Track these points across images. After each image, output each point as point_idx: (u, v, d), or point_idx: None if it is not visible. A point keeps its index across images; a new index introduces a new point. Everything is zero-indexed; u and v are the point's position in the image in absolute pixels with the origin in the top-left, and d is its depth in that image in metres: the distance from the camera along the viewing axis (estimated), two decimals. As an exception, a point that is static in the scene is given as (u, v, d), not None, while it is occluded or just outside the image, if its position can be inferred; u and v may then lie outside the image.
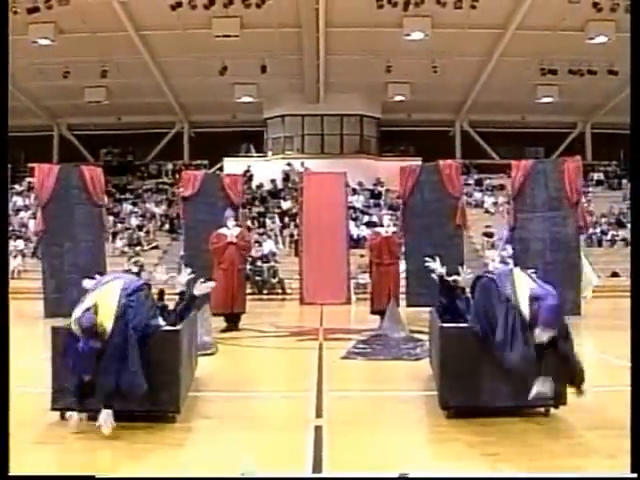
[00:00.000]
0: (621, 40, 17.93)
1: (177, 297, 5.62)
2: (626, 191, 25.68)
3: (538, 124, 28.96)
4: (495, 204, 26.05)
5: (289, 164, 27.66)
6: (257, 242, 21.06)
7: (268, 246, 21.89)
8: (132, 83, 24.85)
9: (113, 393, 4.13)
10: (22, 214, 24.55)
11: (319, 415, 4.66)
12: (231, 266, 10.34)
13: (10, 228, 21.44)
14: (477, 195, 26.97)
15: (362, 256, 19.09)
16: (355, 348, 7.83)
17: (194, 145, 30.20)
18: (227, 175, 16.44)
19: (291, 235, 23.29)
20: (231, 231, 10.48)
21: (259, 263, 20.40)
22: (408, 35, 21.07)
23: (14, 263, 20.00)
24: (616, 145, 27.43)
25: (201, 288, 5.46)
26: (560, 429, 4.16)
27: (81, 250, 12.72)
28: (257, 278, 19.80)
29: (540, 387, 4.03)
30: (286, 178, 27.46)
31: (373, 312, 10.81)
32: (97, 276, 4.82)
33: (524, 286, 4.35)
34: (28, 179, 25.83)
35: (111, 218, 22.27)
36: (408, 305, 12.49)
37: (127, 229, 24.24)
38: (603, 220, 24.85)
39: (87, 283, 4.70)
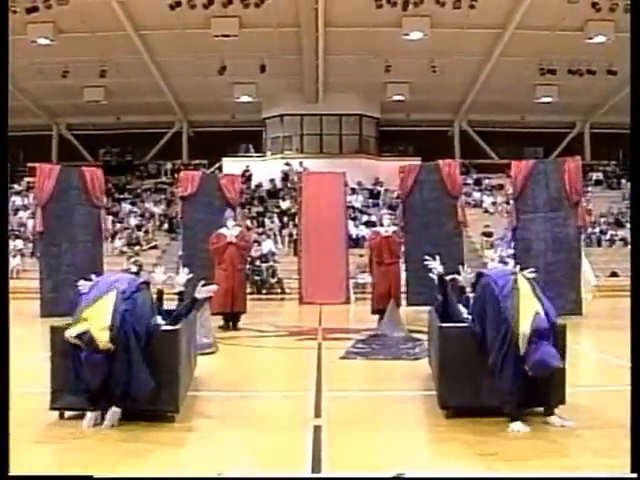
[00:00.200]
0: (620, 40, 17.94)
1: (176, 297, 5.63)
2: (625, 191, 25.71)
3: (537, 124, 28.99)
4: (494, 204, 26.07)
5: (288, 164, 27.66)
6: (256, 242, 21.05)
7: (267, 246, 21.91)
8: (131, 83, 24.85)
9: (124, 395, 4.21)
10: (21, 214, 24.54)
11: (318, 415, 4.66)
12: (231, 266, 10.34)
13: (9, 228, 21.42)
14: (476, 195, 26.98)
15: (361, 256, 19.09)
16: (354, 348, 7.83)
17: (193, 145, 30.19)
18: (224, 175, 16.46)
19: (290, 235, 23.30)
20: (231, 231, 10.48)
21: (258, 263, 20.41)
22: (407, 35, 21.08)
23: (13, 263, 19.99)
24: (615, 145, 27.46)
25: (203, 291, 5.46)
26: (559, 429, 4.15)
27: (79, 250, 12.76)
28: (256, 278, 19.81)
29: (518, 426, 4.11)
30: (285, 178, 27.47)
31: (374, 312, 10.78)
32: (94, 276, 4.81)
33: (528, 305, 4.26)
34: (27, 179, 25.87)
35: (110, 218, 22.24)
36: (408, 304, 12.50)
37: (126, 229, 24.24)
38: (602, 220, 24.85)
39: (83, 285, 4.68)
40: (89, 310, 4.26)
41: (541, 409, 4.38)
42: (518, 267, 4.83)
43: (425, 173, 13.43)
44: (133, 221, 24.96)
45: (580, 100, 27.02)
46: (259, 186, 27.41)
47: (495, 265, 13.62)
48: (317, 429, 4.21)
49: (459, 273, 5.51)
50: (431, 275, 5.72)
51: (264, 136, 29.09)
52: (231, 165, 27.33)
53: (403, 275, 11.96)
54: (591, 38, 20.94)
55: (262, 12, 19.58)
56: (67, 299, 10.84)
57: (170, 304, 5.47)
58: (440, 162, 13.46)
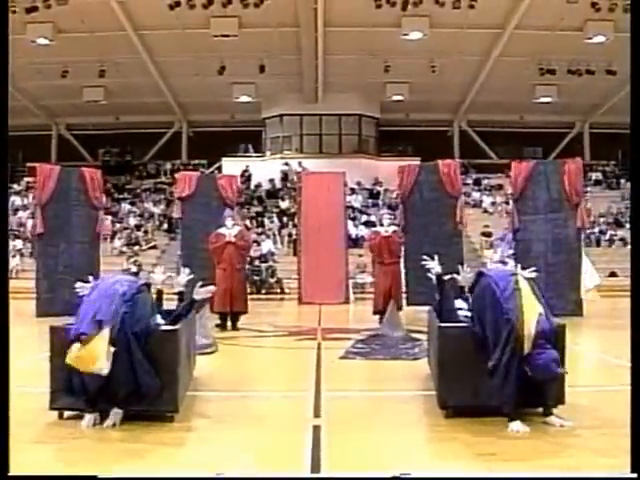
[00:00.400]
0: (619, 40, 17.95)
1: (176, 297, 5.63)
2: (624, 191, 25.71)
3: (536, 124, 28.98)
4: (493, 204, 26.07)
5: (287, 164, 27.66)
6: (255, 242, 21.05)
7: (266, 246, 21.91)
8: (130, 83, 24.84)
9: (130, 395, 4.22)
10: (20, 214, 24.52)
11: (317, 415, 4.66)
12: (229, 266, 10.31)
13: (8, 228, 21.42)
14: (475, 195, 26.97)
15: (360, 256, 19.13)
16: (353, 348, 7.83)
17: (192, 145, 30.18)
18: (222, 176, 16.46)
19: (289, 235, 23.29)
20: (230, 230, 10.45)
21: (257, 263, 20.41)
22: (406, 35, 21.07)
23: (12, 263, 19.97)
24: (614, 145, 27.45)
25: (201, 292, 5.46)
26: (559, 429, 4.15)
27: (76, 251, 12.79)
28: (255, 278, 19.81)
29: (518, 426, 4.12)
30: (284, 178, 27.46)
31: (376, 312, 10.74)
32: (90, 278, 4.81)
33: (531, 306, 4.25)
34: (26, 179, 25.86)
35: (110, 218, 22.24)
36: (408, 304, 12.49)
37: (125, 229, 24.23)
38: (601, 220, 24.85)
39: (81, 287, 4.67)
40: (82, 351, 4.16)
41: (540, 409, 4.38)
42: (519, 266, 4.82)
43: (425, 173, 13.43)
44: (132, 221, 24.96)
45: (579, 100, 27.02)
46: (258, 186, 27.41)
47: (494, 265, 13.60)
48: (316, 429, 4.21)
49: (458, 273, 5.51)
50: (429, 275, 5.73)
51: (263, 136, 29.08)
52: (230, 165, 27.35)
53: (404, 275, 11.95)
54: (590, 38, 20.93)
55: (261, 12, 19.57)
56: (63, 299, 10.95)
57: (170, 304, 5.47)
58: (440, 162, 13.45)
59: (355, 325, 11.25)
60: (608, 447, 3.75)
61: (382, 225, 11.36)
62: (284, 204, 25.79)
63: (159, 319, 4.84)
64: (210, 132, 29.31)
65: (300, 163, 26.70)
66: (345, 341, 8.44)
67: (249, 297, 11.44)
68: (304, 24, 20.43)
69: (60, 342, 4.34)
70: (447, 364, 4.55)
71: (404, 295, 12.07)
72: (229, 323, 10.26)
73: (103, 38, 21.20)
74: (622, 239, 22.75)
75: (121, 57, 22.80)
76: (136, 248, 22.53)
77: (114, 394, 4.22)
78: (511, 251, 12.59)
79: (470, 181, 27.44)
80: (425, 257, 5.81)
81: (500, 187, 26.75)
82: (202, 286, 5.53)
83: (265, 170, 27.69)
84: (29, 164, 24.83)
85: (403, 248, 11.46)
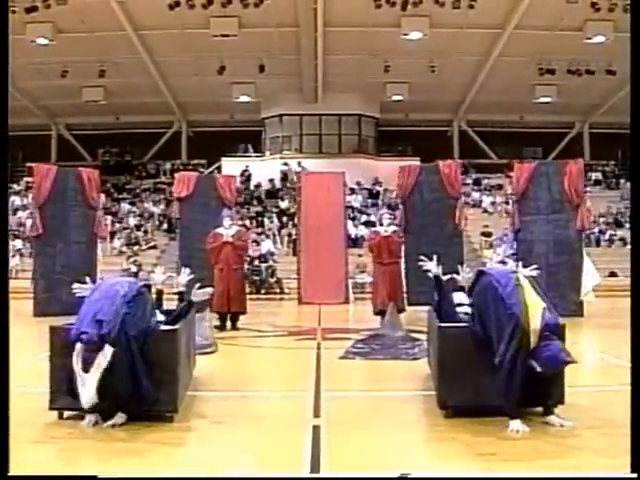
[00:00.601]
0: (619, 40, 17.97)
1: (176, 297, 5.63)
2: (624, 191, 25.73)
3: (536, 124, 29.00)
4: (493, 204, 26.07)
5: (286, 164, 27.66)
6: (255, 242, 21.06)
7: (266, 246, 21.91)
8: (130, 83, 24.84)
9: (130, 396, 4.21)
10: (20, 214, 24.50)
11: (317, 415, 4.65)
12: (226, 266, 10.29)
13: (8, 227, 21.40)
14: (475, 195, 26.97)
15: (360, 256, 19.13)
16: (353, 348, 7.82)
17: (192, 145, 30.19)
18: (220, 176, 16.47)
19: (289, 235, 23.29)
20: (227, 231, 10.44)
21: (257, 263, 20.41)
22: (406, 35, 21.09)
23: (12, 263, 19.96)
24: (614, 145, 27.46)
25: (199, 294, 5.46)
26: (558, 429, 4.15)
27: (73, 251, 12.83)
28: (255, 278, 19.80)
29: (518, 425, 4.11)
30: (284, 178, 27.47)
31: (376, 313, 10.68)
32: (87, 279, 4.81)
33: (534, 300, 4.24)
34: (26, 179, 25.84)
35: (109, 218, 22.24)
36: (408, 304, 12.46)
37: (125, 229, 24.23)
38: (601, 220, 24.85)
39: (80, 288, 4.67)
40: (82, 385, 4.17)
41: (540, 409, 4.38)
42: (520, 264, 4.82)
43: (425, 174, 13.43)
44: (132, 221, 24.96)
45: (579, 100, 27.03)
46: (258, 186, 27.41)
47: (495, 265, 13.60)
48: (316, 429, 4.20)
49: (458, 273, 5.51)
50: (429, 275, 5.72)
51: (263, 136, 29.08)
52: (230, 165, 27.36)
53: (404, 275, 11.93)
54: (590, 38, 20.94)
55: (261, 12, 19.58)
56: (60, 299, 10.98)
57: (170, 304, 5.47)
58: (441, 163, 13.45)
59: (355, 325, 11.25)
60: (608, 447, 3.74)
61: (382, 225, 11.34)
62: (284, 204, 25.80)
63: (159, 316, 4.84)
64: (210, 132, 29.31)
65: (300, 163, 26.70)
66: (345, 341, 8.43)
67: (249, 297, 11.44)
68: (304, 24, 20.44)
69: (60, 342, 4.35)
70: (447, 364, 4.54)
71: (405, 295, 12.05)
72: (228, 323, 10.26)
73: (103, 38, 21.21)
74: (622, 239, 22.75)
75: (121, 57, 22.81)
76: (136, 248, 22.53)
77: (114, 395, 4.21)
78: (512, 251, 12.59)
79: (470, 181, 27.44)
80: (423, 258, 5.80)
81: (500, 187, 26.77)
82: (200, 288, 5.53)
83: (265, 170, 27.69)
84: (29, 164, 24.77)
85: (403, 248, 11.44)
